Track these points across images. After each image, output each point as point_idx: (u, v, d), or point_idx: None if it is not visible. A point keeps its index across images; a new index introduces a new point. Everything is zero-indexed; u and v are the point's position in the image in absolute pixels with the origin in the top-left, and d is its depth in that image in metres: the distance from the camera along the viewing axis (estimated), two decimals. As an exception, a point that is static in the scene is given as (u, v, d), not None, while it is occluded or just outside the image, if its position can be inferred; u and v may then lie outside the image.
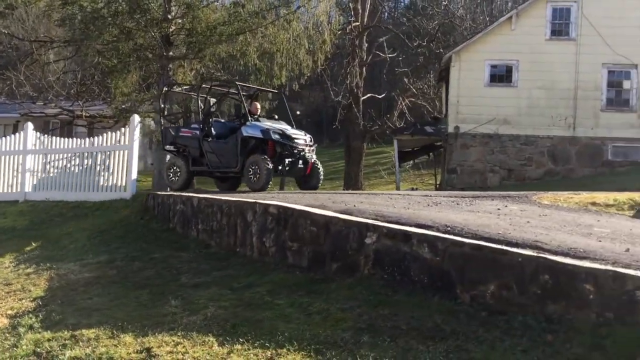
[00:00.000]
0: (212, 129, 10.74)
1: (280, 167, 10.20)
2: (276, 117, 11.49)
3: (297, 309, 4.73)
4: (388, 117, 26.50)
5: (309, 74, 19.31)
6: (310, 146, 10.62)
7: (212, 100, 11.91)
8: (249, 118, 10.37)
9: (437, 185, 21.40)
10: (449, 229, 5.25)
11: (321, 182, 11.04)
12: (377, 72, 36.26)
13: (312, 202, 6.93)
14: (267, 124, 10.43)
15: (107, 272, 6.66)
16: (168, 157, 12.10)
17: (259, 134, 10.13)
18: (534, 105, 18.09)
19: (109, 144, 11.34)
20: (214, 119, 11.10)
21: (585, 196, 8.70)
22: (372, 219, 5.71)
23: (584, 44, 17.84)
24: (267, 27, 16.68)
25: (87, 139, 12.11)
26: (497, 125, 18.19)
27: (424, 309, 4.48)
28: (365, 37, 27.45)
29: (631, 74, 17.75)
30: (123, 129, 11.18)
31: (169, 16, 16.45)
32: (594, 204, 8.25)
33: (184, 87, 14.19)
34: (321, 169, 10.91)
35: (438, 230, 5.22)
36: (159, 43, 16.59)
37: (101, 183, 11.39)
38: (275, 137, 10.09)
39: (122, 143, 11.07)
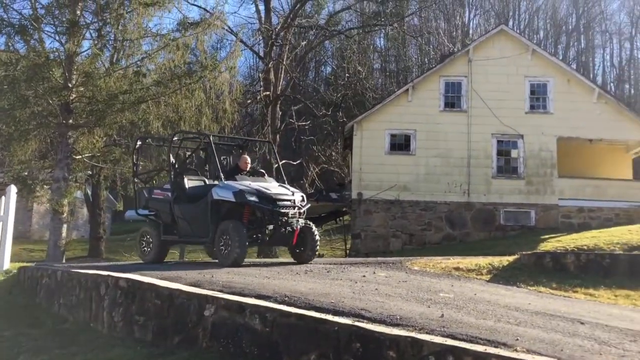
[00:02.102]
0: (183, 190, 9.19)
1: (259, 236, 8.68)
2: (263, 172, 9.70)
3: (119, 387, 4.62)
4: (301, 184, 26.97)
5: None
6: (300, 208, 8.80)
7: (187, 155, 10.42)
8: (222, 177, 8.76)
9: (347, 251, 21.64)
10: (286, 299, 5.35)
11: (317, 251, 9.27)
12: (295, 139, 37.10)
13: (172, 275, 6.87)
14: (244, 183, 8.73)
15: (-55, 353, 6.28)
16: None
17: (230, 197, 8.45)
18: (431, 172, 18.97)
19: (-17, 215, 10.85)
20: (187, 177, 9.51)
21: (452, 262, 9.12)
22: (218, 290, 5.74)
23: (475, 115, 19.09)
24: (170, 95, 16.84)
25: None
26: (398, 192, 18.86)
27: (246, 381, 4.50)
28: (278, 105, 28.24)
29: (518, 144, 19.04)
30: (-1, 200, 10.76)
31: (70, 84, 16.32)
32: (457, 269, 8.67)
33: (155, 139, 12.95)
34: (317, 235, 9.12)
35: (276, 300, 5.31)
36: (57, 111, 16.38)
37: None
38: (251, 199, 8.39)
39: (-3, 214, 10.63)
